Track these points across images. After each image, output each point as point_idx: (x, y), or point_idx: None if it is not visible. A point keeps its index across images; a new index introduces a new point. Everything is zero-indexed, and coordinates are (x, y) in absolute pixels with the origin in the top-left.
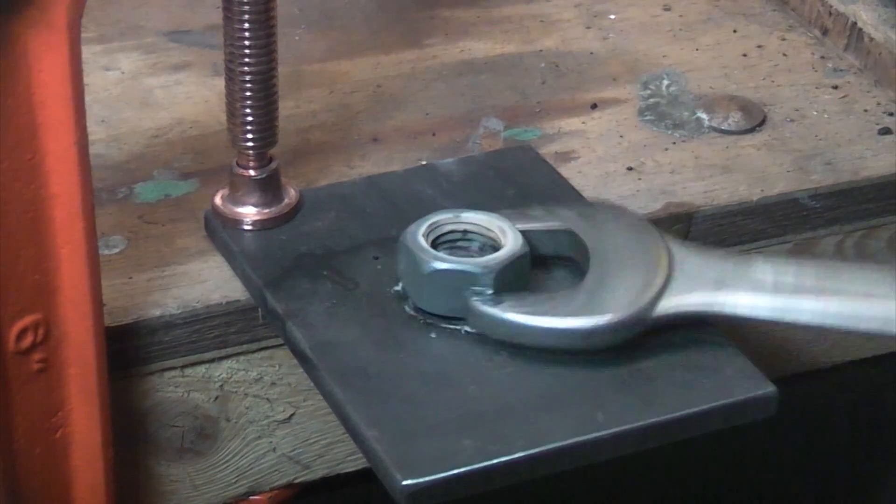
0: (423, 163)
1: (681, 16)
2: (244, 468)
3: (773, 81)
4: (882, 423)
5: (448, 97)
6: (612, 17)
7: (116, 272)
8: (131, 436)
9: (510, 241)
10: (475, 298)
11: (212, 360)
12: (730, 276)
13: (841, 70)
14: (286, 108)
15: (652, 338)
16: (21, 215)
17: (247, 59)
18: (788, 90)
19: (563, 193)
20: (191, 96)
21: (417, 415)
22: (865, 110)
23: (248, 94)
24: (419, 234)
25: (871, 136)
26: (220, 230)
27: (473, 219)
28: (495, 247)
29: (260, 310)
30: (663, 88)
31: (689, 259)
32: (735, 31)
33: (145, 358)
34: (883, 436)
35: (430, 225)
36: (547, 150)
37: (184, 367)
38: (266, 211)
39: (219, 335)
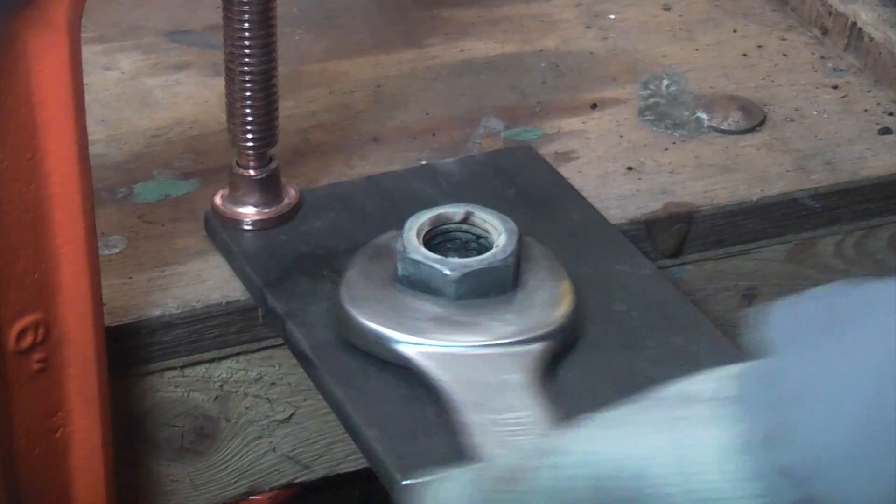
0: (423, 163)
1: (681, 16)
2: (244, 468)
3: (773, 81)
4: None
5: (448, 97)
6: (612, 17)
7: (116, 272)
8: (131, 436)
9: (501, 225)
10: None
11: (212, 360)
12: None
13: (841, 70)
14: (286, 108)
15: (652, 338)
16: (21, 215)
17: (247, 59)
18: (788, 90)
19: (563, 193)
20: (191, 96)
21: (417, 415)
22: (865, 110)
23: (248, 94)
24: (417, 244)
25: (871, 135)
26: (220, 230)
27: (456, 215)
28: (479, 234)
29: (260, 310)
30: (663, 88)
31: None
32: (735, 31)
33: (145, 358)
34: None
35: (420, 230)
36: (547, 150)
37: (184, 367)
38: (266, 211)
39: (219, 335)
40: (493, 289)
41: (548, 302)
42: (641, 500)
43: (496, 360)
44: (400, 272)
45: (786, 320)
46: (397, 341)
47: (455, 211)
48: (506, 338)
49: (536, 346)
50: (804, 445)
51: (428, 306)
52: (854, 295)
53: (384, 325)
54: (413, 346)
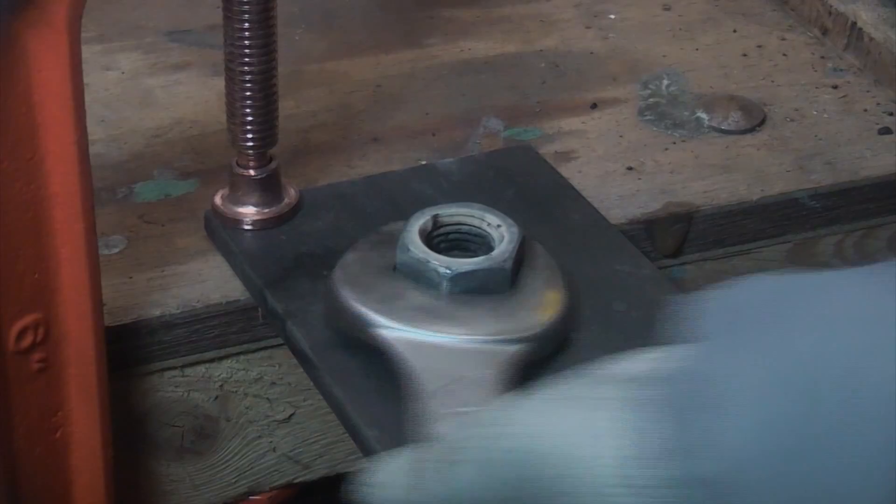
0: (423, 163)
1: (681, 16)
2: (244, 468)
3: (773, 81)
4: None
5: (448, 97)
6: (612, 17)
7: (116, 272)
8: (131, 436)
9: (503, 224)
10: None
11: (212, 360)
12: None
13: (841, 70)
14: (286, 108)
15: (652, 338)
16: (21, 215)
17: (247, 59)
18: (788, 90)
19: (563, 193)
20: (191, 96)
21: None
22: (865, 110)
23: (248, 94)
24: (418, 243)
25: (871, 136)
26: (220, 230)
27: (459, 216)
28: (482, 235)
29: (260, 310)
30: (663, 88)
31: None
32: (735, 31)
33: (145, 358)
34: None
35: (421, 231)
36: (547, 150)
37: (184, 366)
38: (266, 211)
39: (219, 335)
40: (488, 290)
41: (535, 306)
42: (556, 480)
43: (471, 356)
44: (398, 263)
45: (717, 311)
46: (378, 325)
47: (459, 210)
48: (485, 335)
49: (513, 348)
50: (730, 454)
51: (417, 296)
52: (787, 286)
53: (367, 308)
54: (392, 332)
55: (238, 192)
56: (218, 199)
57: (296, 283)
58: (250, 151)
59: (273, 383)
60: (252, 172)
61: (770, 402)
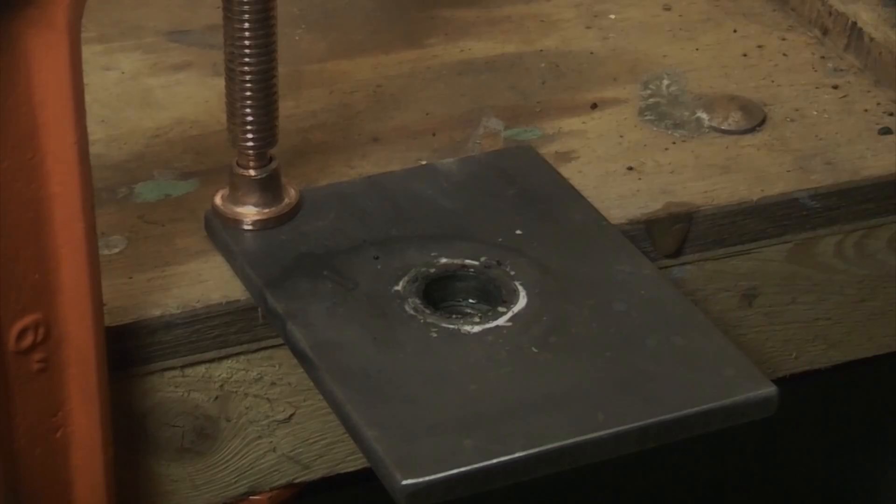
0: (423, 163)
1: (681, 16)
2: (244, 468)
3: (773, 81)
4: (882, 423)
5: (448, 97)
6: (612, 17)
7: (116, 272)
8: (131, 436)
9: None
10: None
11: (212, 360)
12: None
13: (841, 70)
14: (286, 108)
15: (652, 338)
16: (21, 215)
17: (247, 59)
18: (788, 90)
19: (563, 193)
20: (191, 96)
21: (417, 415)
22: (865, 110)
23: (248, 94)
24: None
25: (871, 136)
26: (220, 230)
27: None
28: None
29: (260, 310)
30: (663, 88)
31: None
32: (735, 31)
33: (145, 358)
34: (882, 436)
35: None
36: (547, 150)
37: (184, 367)
38: (266, 211)
39: (219, 335)
40: None
41: None
42: None
43: None
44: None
45: None
46: None
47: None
48: None
49: None
50: None
51: None
52: None
53: None
54: None
55: (238, 192)
56: (218, 199)
57: (296, 283)
58: (250, 151)
59: (273, 383)
60: (252, 172)
61: None
